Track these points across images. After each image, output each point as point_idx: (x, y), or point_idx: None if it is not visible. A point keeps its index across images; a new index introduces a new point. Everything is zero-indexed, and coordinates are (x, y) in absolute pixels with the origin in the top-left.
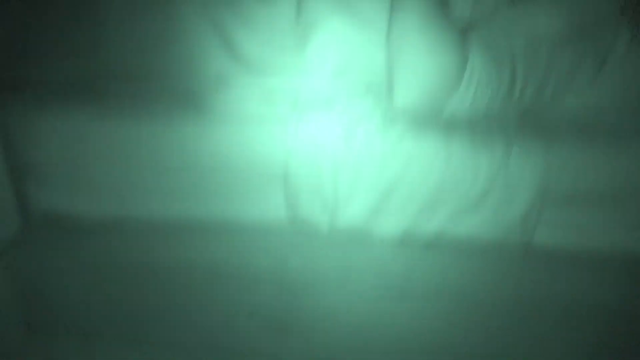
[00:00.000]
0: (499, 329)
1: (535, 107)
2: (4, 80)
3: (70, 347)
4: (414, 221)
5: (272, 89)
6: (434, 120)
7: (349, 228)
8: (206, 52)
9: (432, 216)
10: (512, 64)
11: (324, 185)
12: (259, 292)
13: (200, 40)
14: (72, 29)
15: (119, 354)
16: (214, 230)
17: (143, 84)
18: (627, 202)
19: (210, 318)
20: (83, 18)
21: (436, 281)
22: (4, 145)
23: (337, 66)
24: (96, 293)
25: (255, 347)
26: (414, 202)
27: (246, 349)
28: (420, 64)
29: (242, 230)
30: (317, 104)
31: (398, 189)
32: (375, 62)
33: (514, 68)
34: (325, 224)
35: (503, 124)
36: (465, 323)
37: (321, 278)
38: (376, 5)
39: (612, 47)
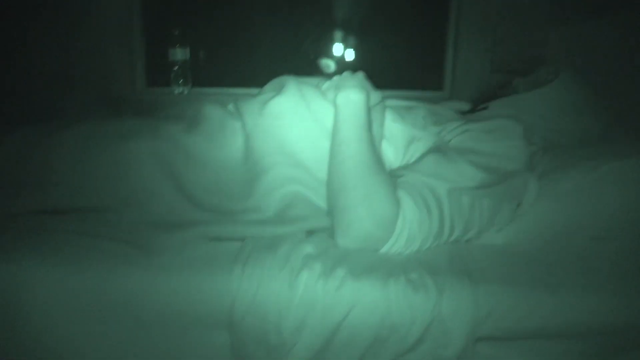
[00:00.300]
0: None
1: (463, 249)
2: None
3: None
4: None
5: (219, 233)
6: (372, 265)
7: None
8: (155, 193)
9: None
10: (440, 208)
11: (269, 331)
12: None
13: (149, 181)
14: (20, 166)
15: None
16: None
17: (91, 224)
18: (554, 339)
19: None
20: (35, 156)
21: None
22: None
23: (281, 211)
24: None
25: None
26: (355, 346)
27: None
28: (358, 210)
29: None
30: (261, 249)
31: (340, 334)
32: (316, 208)
33: (442, 212)
34: None
35: (434, 268)
36: None
37: None
38: (317, 155)
39: (524, 191)
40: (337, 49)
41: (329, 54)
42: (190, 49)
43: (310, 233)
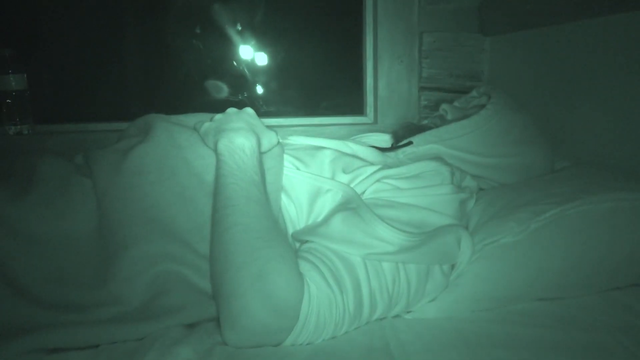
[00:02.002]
0: None
1: (387, 330)
2: None
3: None
4: None
5: (62, 342)
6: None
7: None
8: None
9: None
10: (355, 282)
11: None
12: None
13: None
14: None
15: None
16: None
17: None
18: None
19: None
20: None
21: None
22: None
23: (150, 300)
24: None
25: None
26: None
27: None
28: (249, 294)
29: None
30: (121, 357)
31: None
32: (198, 291)
33: (358, 286)
34: None
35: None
36: None
37: None
38: (196, 221)
39: (457, 250)
40: (245, 51)
41: (234, 59)
42: (27, 76)
43: (190, 327)
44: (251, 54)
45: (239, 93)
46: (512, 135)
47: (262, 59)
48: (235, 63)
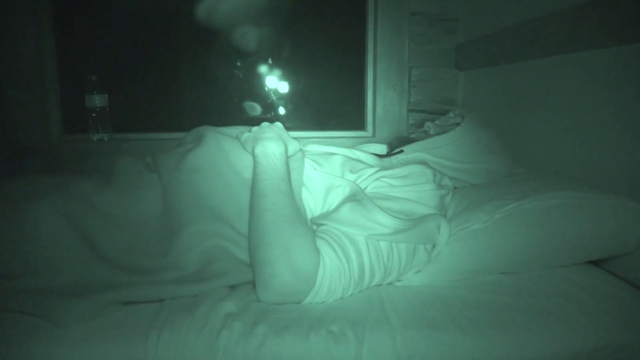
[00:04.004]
0: None
1: (383, 293)
2: None
3: None
4: None
5: (134, 296)
6: (293, 319)
7: None
8: (65, 256)
9: None
10: (359, 256)
11: None
12: None
13: (59, 243)
14: None
15: None
16: None
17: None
18: None
19: None
20: None
21: None
22: None
23: (202, 267)
24: None
25: None
26: None
27: None
28: (277, 264)
29: None
30: (179, 311)
31: None
32: (238, 262)
33: (361, 259)
34: None
35: (354, 318)
36: None
37: None
38: (238, 207)
39: (437, 234)
40: (273, 80)
41: (258, 90)
42: (108, 95)
43: (233, 288)
44: (278, 82)
45: (268, 112)
46: (480, 147)
47: (285, 86)
48: (266, 88)
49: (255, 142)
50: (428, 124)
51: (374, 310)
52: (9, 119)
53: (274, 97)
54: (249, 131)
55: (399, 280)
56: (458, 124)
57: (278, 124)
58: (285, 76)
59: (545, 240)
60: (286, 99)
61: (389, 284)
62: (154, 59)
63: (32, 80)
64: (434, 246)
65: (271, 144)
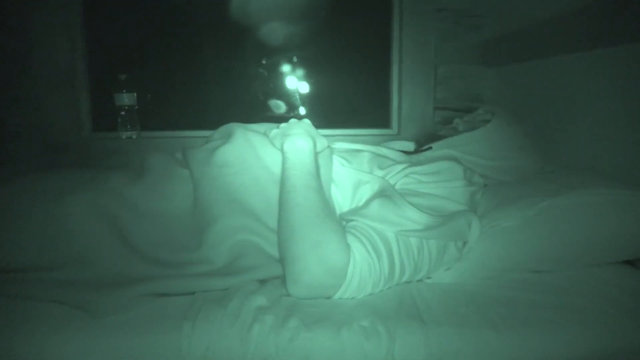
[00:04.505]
0: None
1: (413, 290)
2: None
3: None
4: None
5: (167, 289)
6: (324, 313)
7: None
8: (99, 249)
9: None
10: (389, 252)
11: None
12: None
13: (93, 236)
14: None
15: None
16: None
17: (27, 285)
18: None
19: None
20: None
21: None
22: None
23: (232, 261)
24: None
25: None
26: None
27: None
28: (308, 258)
29: None
30: (212, 303)
31: None
32: (268, 256)
33: (391, 255)
34: None
35: (385, 313)
36: None
37: None
38: (267, 202)
39: (468, 231)
40: (291, 82)
41: (283, 88)
42: (137, 94)
43: (262, 282)
44: (302, 80)
45: (293, 110)
46: (511, 143)
47: (310, 84)
48: (291, 86)
49: (284, 138)
50: (457, 120)
51: (405, 307)
52: (43, 116)
53: (298, 95)
54: (278, 127)
55: (429, 277)
56: (488, 121)
57: (306, 121)
58: (310, 74)
59: (578, 238)
60: (311, 97)
61: (419, 280)
62: (181, 58)
63: (65, 79)
64: (464, 243)
65: (300, 140)
